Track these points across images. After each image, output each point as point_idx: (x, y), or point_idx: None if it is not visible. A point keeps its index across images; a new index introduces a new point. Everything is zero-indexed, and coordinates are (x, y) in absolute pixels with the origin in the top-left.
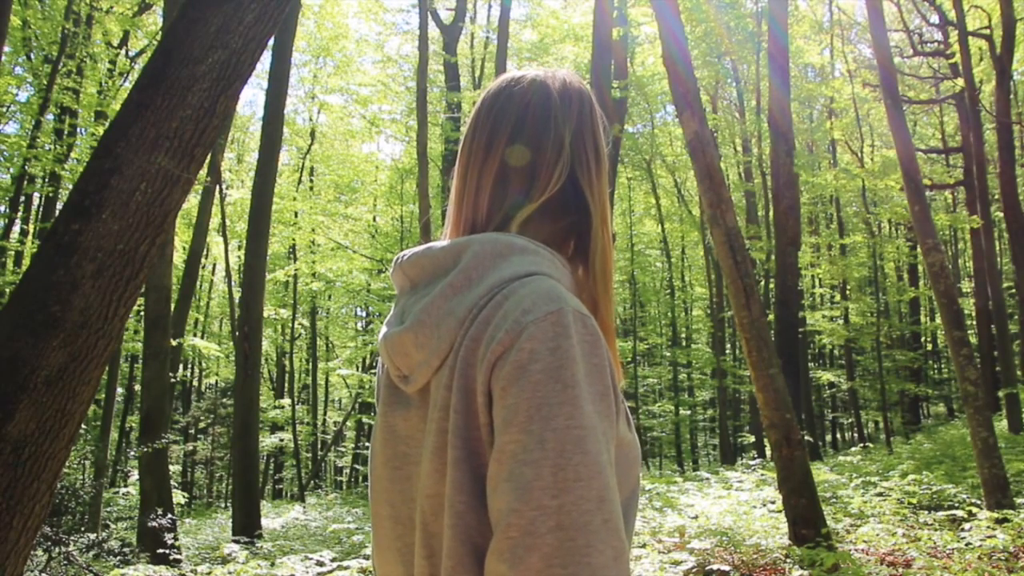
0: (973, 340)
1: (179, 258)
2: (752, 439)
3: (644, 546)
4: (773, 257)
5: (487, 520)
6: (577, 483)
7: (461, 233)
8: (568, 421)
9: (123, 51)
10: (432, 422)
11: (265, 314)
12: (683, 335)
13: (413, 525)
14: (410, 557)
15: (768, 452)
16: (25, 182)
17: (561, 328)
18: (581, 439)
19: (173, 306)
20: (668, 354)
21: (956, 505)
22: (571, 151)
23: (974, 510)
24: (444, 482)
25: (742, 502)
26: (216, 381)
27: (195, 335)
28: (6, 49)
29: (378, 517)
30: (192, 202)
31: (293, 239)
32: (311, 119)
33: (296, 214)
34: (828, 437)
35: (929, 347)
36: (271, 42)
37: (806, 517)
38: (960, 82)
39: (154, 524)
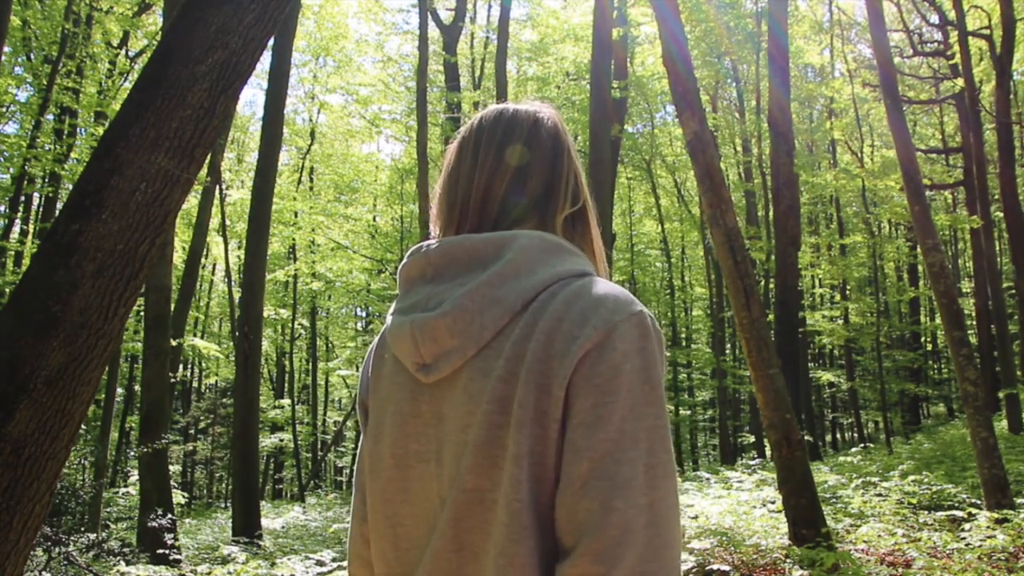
0: (973, 340)
1: (179, 258)
2: (752, 439)
3: None
4: (773, 257)
5: (542, 519)
6: (664, 480)
7: (464, 228)
8: (656, 421)
9: (123, 51)
10: (476, 415)
11: (265, 314)
12: (683, 335)
13: (432, 523)
14: (405, 554)
15: (768, 452)
16: (25, 182)
17: (644, 329)
18: (664, 438)
19: (173, 306)
20: (668, 354)
21: (956, 505)
22: (573, 169)
23: (974, 510)
24: (487, 477)
25: (742, 502)
26: (216, 381)
27: (195, 335)
28: (6, 49)
29: (397, 517)
30: (192, 202)
31: (293, 239)
32: (311, 119)
33: (296, 214)
34: (828, 437)
35: (929, 347)
36: (271, 42)
37: (806, 517)
38: (960, 82)
39: (154, 524)
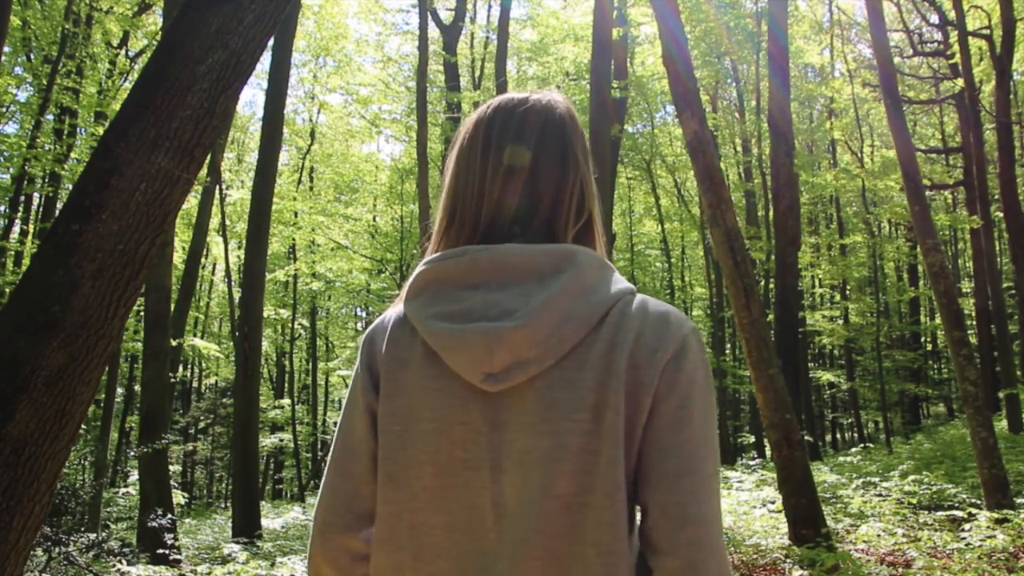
0: (973, 340)
1: (179, 258)
2: (752, 439)
3: None
4: (773, 257)
5: (633, 515)
6: (718, 473)
7: (477, 231)
8: (715, 421)
9: (123, 51)
10: (561, 423)
11: (265, 314)
12: None
13: (473, 532)
14: (472, 563)
15: (768, 452)
16: (25, 182)
17: (701, 342)
18: (716, 436)
19: (173, 306)
20: None
21: (956, 505)
22: (581, 177)
23: (974, 510)
24: (576, 483)
25: (742, 502)
26: (216, 381)
27: (195, 335)
28: (6, 49)
29: (425, 527)
30: (192, 202)
31: (293, 239)
32: (311, 119)
33: (296, 214)
34: (828, 437)
35: (929, 347)
36: (271, 42)
37: (806, 517)
38: (960, 82)
39: (154, 524)
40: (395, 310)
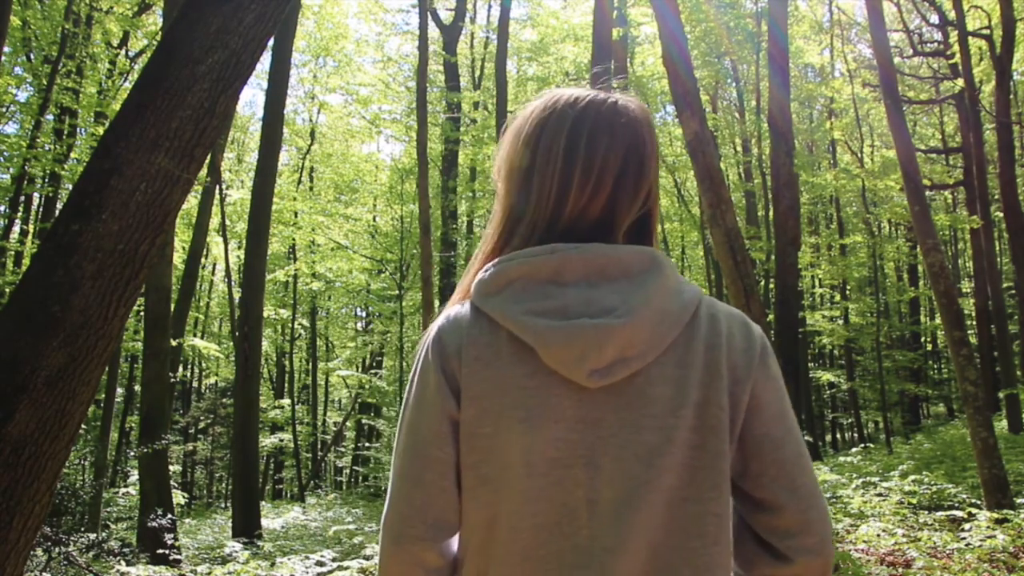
0: (973, 340)
1: (179, 258)
2: None
3: None
4: (773, 257)
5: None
6: None
7: (554, 231)
8: None
9: (123, 51)
10: (664, 419)
11: (265, 314)
12: None
13: (563, 530)
14: (560, 562)
15: None
16: (25, 182)
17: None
18: None
19: (173, 306)
20: None
21: (956, 505)
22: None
23: (974, 510)
24: (680, 476)
25: None
26: (216, 381)
27: (195, 335)
28: (6, 49)
29: (517, 530)
30: (192, 202)
31: (293, 239)
32: (311, 119)
33: (296, 214)
34: (828, 437)
35: (929, 347)
36: (271, 42)
37: None
38: (960, 82)
39: (154, 524)
40: (459, 308)
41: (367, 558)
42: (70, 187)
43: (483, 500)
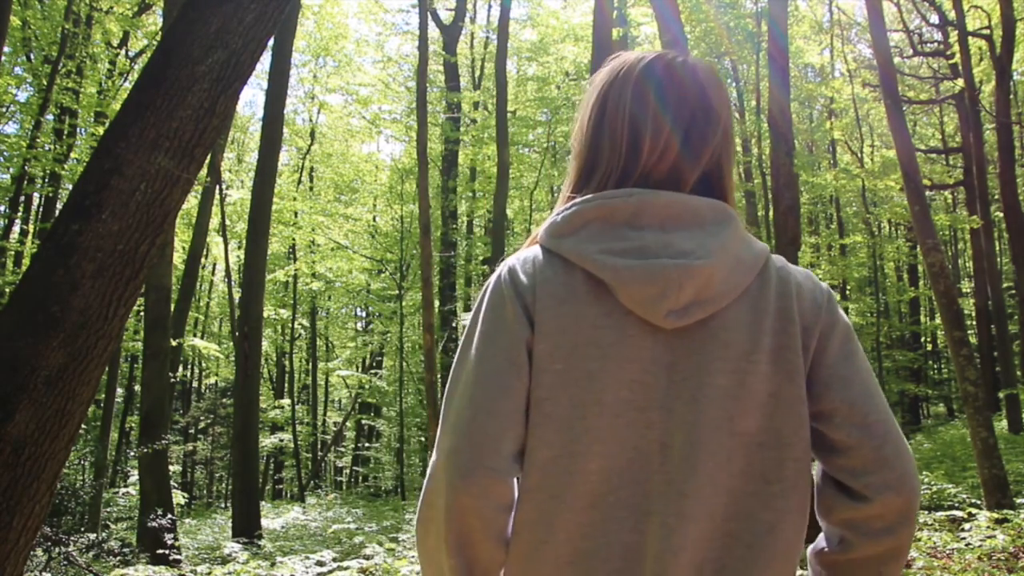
0: (973, 340)
1: (179, 258)
2: None
3: None
4: None
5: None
6: None
7: (629, 180)
8: None
9: (123, 51)
10: (738, 362)
11: (265, 314)
12: None
13: (635, 475)
14: (630, 508)
15: None
16: (25, 182)
17: None
18: None
19: (173, 306)
20: None
21: (956, 505)
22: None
23: (974, 510)
24: (756, 421)
25: None
26: (216, 381)
27: (195, 335)
28: (6, 49)
29: (583, 473)
30: (192, 202)
31: (293, 239)
32: (311, 119)
33: (296, 214)
34: None
35: (929, 347)
36: (271, 42)
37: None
38: (960, 82)
39: (154, 524)
40: (527, 252)
41: (367, 558)
42: (70, 187)
43: (545, 439)
